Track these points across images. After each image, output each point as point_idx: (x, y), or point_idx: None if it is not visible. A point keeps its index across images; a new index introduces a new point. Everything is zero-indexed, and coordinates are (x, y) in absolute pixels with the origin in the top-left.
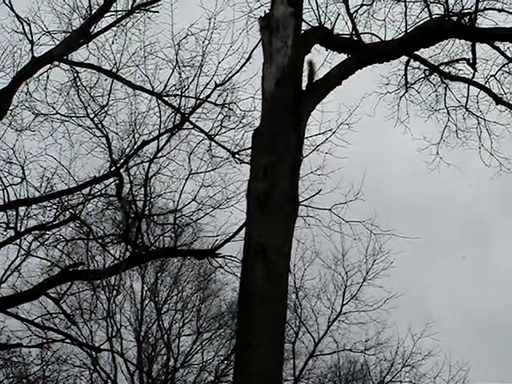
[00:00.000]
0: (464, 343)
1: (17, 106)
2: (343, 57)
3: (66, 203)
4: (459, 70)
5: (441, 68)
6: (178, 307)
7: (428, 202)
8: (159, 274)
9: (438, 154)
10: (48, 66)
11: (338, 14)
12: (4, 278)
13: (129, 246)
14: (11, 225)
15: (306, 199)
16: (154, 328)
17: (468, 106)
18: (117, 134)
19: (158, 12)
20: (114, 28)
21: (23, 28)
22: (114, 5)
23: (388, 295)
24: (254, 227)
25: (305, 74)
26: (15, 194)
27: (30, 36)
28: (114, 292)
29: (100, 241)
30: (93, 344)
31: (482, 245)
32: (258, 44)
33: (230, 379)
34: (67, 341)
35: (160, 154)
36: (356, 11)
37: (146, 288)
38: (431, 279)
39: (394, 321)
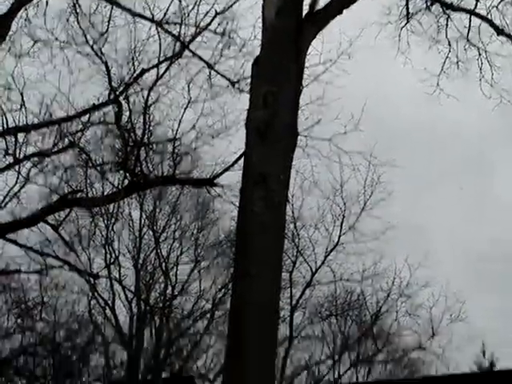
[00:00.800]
0: (462, 272)
1: (16, 32)
2: None
3: (64, 130)
4: (461, 0)
5: None
6: (176, 236)
7: (428, 133)
8: (158, 203)
9: (438, 86)
10: None
11: None
12: (3, 205)
13: (127, 174)
14: (10, 151)
15: (306, 129)
16: (152, 256)
17: (469, 37)
18: (116, 61)
19: None
20: None
21: None
22: None
23: (386, 226)
24: (254, 157)
25: (306, 2)
26: (14, 121)
27: None
28: (113, 219)
29: (99, 168)
30: (91, 271)
31: (483, 175)
32: None
33: (227, 307)
34: (66, 267)
35: (159, 83)
36: None
37: (144, 216)
38: (430, 210)
39: (391, 251)
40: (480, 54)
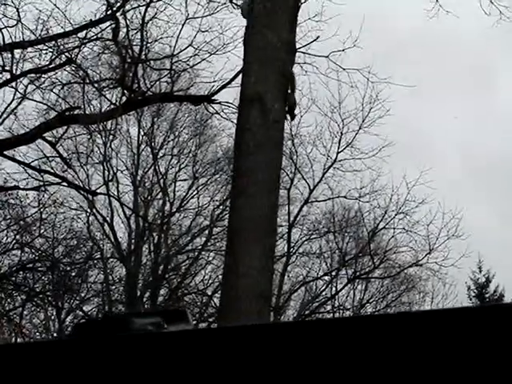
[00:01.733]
0: (463, 187)
1: None
2: None
3: (61, 46)
4: None
5: None
6: (175, 152)
7: (427, 46)
8: (155, 119)
9: (437, 2)
10: None
11: None
12: (0, 121)
13: (125, 91)
14: (7, 67)
15: (304, 46)
16: (151, 173)
17: None
18: None
19: None
20: None
21: None
22: None
23: (383, 143)
24: (251, 75)
25: None
26: (10, 37)
27: None
28: (111, 136)
29: (96, 85)
30: (89, 188)
31: (485, 87)
32: None
33: (225, 224)
34: (64, 184)
35: None
36: None
37: (142, 133)
38: (431, 124)
39: (389, 169)
40: None
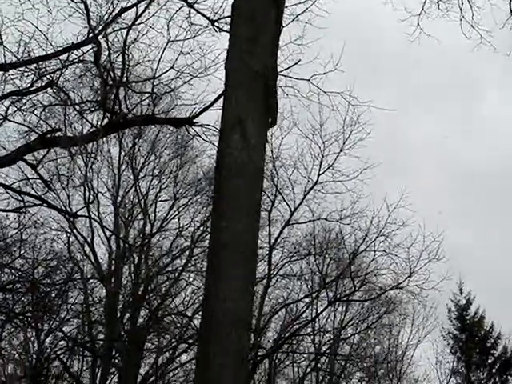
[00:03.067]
0: (447, 197)
1: None
2: None
3: (43, 69)
4: None
5: None
6: (155, 173)
7: (410, 66)
8: (137, 140)
9: (418, 26)
10: None
11: None
12: None
13: (106, 113)
14: None
15: (285, 69)
16: (131, 193)
17: None
18: (95, 0)
19: None
20: None
21: None
22: None
23: (364, 165)
24: (231, 98)
25: None
26: None
27: None
28: (92, 158)
29: (77, 107)
30: (70, 209)
31: (470, 103)
32: None
33: (205, 245)
34: (44, 205)
35: (139, 21)
36: None
37: (123, 153)
38: (414, 139)
39: (369, 191)
40: None
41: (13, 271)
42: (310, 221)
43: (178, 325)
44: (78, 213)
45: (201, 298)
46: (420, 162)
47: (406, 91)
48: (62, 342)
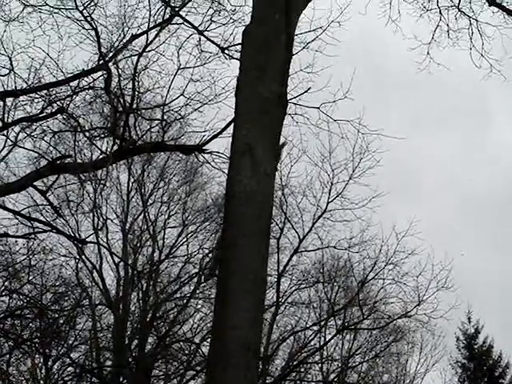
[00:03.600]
0: (454, 230)
1: None
2: None
3: (53, 95)
4: None
5: None
6: (164, 199)
7: (419, 91)
8: (146, 167)
9: (428, 54)
10: None
11: None
12: None
13: (116, 140)
14: None
15: (295, 97)
16: (140, 220)
17: (460, 6)
18: (106, 27)
19: None
20: None
21: None
22: None
23: (373, 193)
24: (241, 126)
25: None
26: (3, 85)
27: None
28: (101, 185)
29: (87, 134)
30: (79, 235)
31: (478, 128)
32: None
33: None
34: (54, 231)
35: (149, 48)
36: None
37: (132, 180)
38: (425, 165)
39: (378, 219)
40: (471, 24)
41: (21, 297)
42: (318, 248)
43: (186, 352)
44: (87, 239)
45: (209, 324)
46: (430, 187)
47: (416, 117)
48: (70, 369)
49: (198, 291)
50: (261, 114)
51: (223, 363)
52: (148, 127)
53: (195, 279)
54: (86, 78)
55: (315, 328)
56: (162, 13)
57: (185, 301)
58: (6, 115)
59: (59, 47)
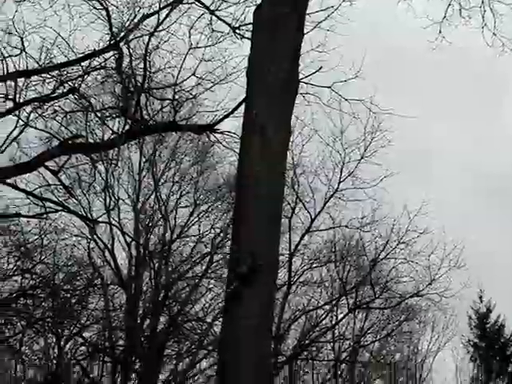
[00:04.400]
0: (466, 209)
1: None
2: None
3: (65, 75)
4: None
5: None
6: (176, 179)
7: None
8: (157, 146)
9: (440, 33)
10: None
11: None
12: (3, 149)
13: (127, 120)
14: (10, 96)
15: (306, 76)
16: (152, 200)
17: None
18: (117, 7)
19: None
20: None
21: None
22: None
23: (385, 173)
24: (253, 106)
25: None
26: (14, 66)
27: None
28: (113, 165)
29: (99, 114)
30: (91, 215)
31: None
32: None
33: (225, 251)
34: (65, 211)
35: (160, 28)
36: None
37: (143, 160)
38: (437, 144)
39: (390, 198)
40: (483, 2)
41: (34, 276)
42: (330, 228)
43: (198, 331)
44: (99, 219)
45: (221, 304)
46: (443, 168)
47: (428, 96)
48: (83, 348)
49: (209, 271)
50: (272, 93)
51: (236, 342)
52: (159, 107)
53: (207, 259)
54: (97, 58)
55: (327, 307)
56: None
57: (196, 280)
58: (17, 95)
59: (70, 27)
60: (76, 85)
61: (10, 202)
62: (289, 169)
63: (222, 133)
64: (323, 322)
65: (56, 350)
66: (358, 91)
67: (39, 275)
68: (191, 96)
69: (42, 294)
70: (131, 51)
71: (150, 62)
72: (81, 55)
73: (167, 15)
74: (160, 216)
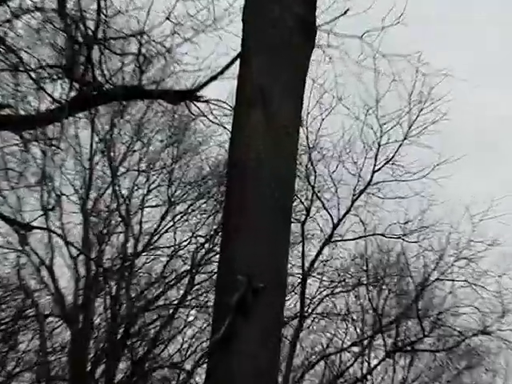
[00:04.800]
0: None
1: None
2: None
3: None
4: None
5: None
6: (142, 167)
7: None
8: (116, 121)
9: None
10: None
11: None
12: None
13: (74, 83)
14: None
15: (327, 23)
16: (108, 196)
17: None
18: None
19: None
20: None
21: None
22: None
23: (438, 159)
24: (252, 63)
25: None
26: None
27: None
28: (53, 147)
29: (33, 75)
30: (21, 218)
31: None
32: None
33: (212, 269)
34: None
35: None
36: None
37: (96, 140)
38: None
39: (445, 195)
40: None
41: None
42: (360, 237)
43: (173, 382)
44: (33, 223)
45: (204, 344)
46: None
47: (491, 58)
48: None
49: (189, 297)
50: (278, 46)
51: None
52: (119, 65)
53: (185, 280)
54: None
55: (355, 349)
56: None
57: (171, 311)
58: None
59: None
60: (2, 33)
61: None
62: (302, 153)
63: (207, 101)
64: (350, 370)
65: None
66: (399, 44)
67: None
68: (165, 49)
69: None
70: None
71: (105, 1)
72: None
73: None
74: (119, 219)
